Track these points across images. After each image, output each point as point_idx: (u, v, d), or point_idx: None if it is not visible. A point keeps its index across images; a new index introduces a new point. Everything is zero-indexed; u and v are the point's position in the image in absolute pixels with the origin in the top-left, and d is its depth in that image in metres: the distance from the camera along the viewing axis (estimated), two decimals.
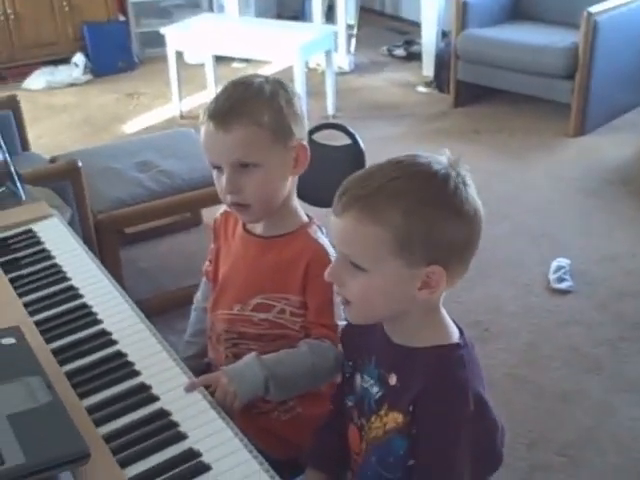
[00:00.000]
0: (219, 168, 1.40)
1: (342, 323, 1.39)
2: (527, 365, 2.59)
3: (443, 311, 1.17)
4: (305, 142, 1.43)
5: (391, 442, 1.14)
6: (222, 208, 1.57)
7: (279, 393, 1.37)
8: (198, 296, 1.70)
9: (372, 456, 1.18)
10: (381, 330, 1.20)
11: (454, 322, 1.19)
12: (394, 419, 1.14)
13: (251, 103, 1.36)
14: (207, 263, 1.64)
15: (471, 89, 4.75)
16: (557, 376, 2.54)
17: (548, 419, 2.36)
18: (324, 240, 1.45)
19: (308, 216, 1.49)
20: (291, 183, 1.44)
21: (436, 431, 1.09)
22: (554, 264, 3.08)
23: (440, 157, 1.11)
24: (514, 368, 2.56)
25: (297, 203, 1.49)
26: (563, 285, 2.98)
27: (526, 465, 2.16)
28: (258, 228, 1.48)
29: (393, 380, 1.16)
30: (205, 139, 1.39)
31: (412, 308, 1.13)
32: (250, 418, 1.40)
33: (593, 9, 4.03)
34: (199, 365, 1.61)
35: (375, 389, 1.19)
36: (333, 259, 1.39)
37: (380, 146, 3.73)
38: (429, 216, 1.06)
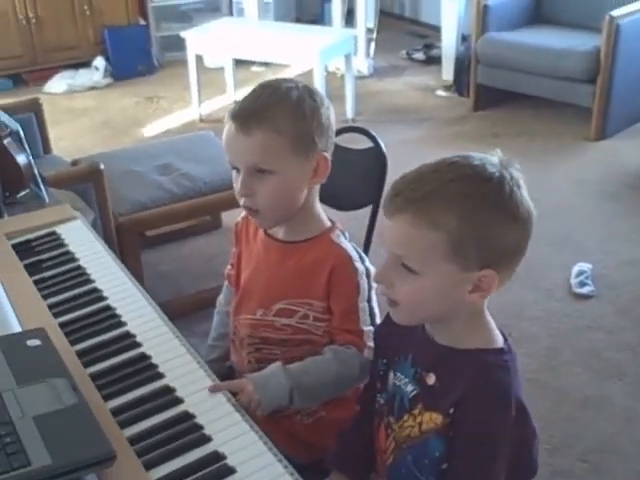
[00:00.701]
0: (237, 169, 1.40)
1: (368, 329, 1.39)
2: (548, 370, 2.58)
3: (488, 315, 1.16)
4: (328, 153, 1.40)
5: (428, 443, 1.14)
6: (243, 212, 1.57)
7: (303, 403, 1.36)
8: (221, 299, 1.70)
9: (408, 455, 1.18)
10: (421, 329, 1.19)
11: (498, 328, 1.18)
12: (432, 419, 1.13)
13: (274, 109, 1.34)
14: (229, 267, 1.64)
15: (491, 93, 4.74)
16: (578, 381, 2.53)
17: (570, 425, 2.34)
18: (347, 245, 1.44)
19: (331, 221, 1.49)
20: (311, 190, 1.43)
21: (476, 435, 1.08)
22: (575, 269, 3.06)
23: (492, 158, 1.10)
24: (535, 373, 2.54)
25: (319, 208, 1.48)
26: (585, 290, 2.96)
27: (547, 471, 2.14)
28: (280, 233, 1.47)
29: (432, 380, 1.15)
30: (226, 139, 1.39)
31: (460, 310, 1.12)
32: (273, 421, 1.40)
33: (615, 13, 4.01)
34: (222, 368, 1.61)
35: (410, 387, 1.18)
36: (356, 264, 1.40)
37: (400, 150, 3.73)
38: (485, 221, 1.05)
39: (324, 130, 1.38)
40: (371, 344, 1.37)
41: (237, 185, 1.40)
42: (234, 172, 1.41)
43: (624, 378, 2.53)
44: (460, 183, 1.06)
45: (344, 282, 1.39)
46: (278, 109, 1.34)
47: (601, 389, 2.49)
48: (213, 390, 1.25)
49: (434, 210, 1.05)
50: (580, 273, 3.03)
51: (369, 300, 1.40)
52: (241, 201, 1.42)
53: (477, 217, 1.04)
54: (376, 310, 1.40)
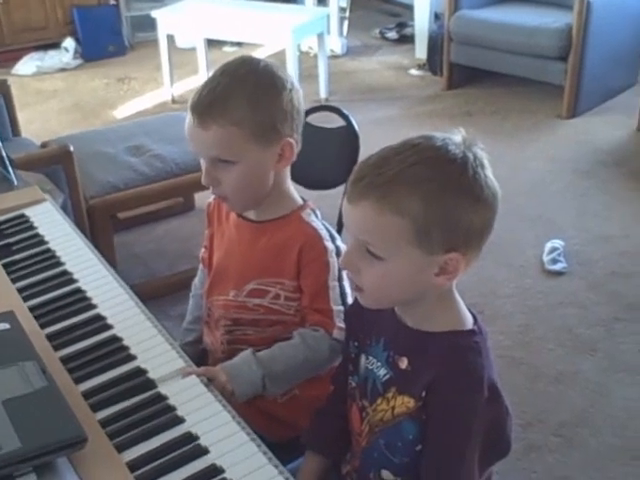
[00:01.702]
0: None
1: (338, 308, 1.39)
2: (522, 347, 2.60)
3: (457, 296, 1.15)
4: (293, 138, 1.37)
5: (400, 426, 1.14)
6: None
7: (275, 389, 1.36)
8: (196, 283, 1.69)
9: (380, 439, 1.18)
10: (391, 312, 1.18)
11: (468, 309, 1.17)
12: (404, 403, 1.13)
13: (231, 100, 1.30)
14: (203, 250, 1.63)
15: (464, 71, 4.74)
16: (552, 357, 2.55)
17: (543, 400, 2.37)
18: (317, 224, 1.43)
19: (303, 199, 1.47)
20: (279, 172, 1.41)
21: (449, 417, 1.08)
22: (548, 245, 3.08)
23: (455, 137, 1.08)
24: (509, 350, 2.56)
25: (291, 187, 1.46)
26: (557, 266, 2.98)
27: (521, 446, 2.16)
28: (251, 213, 1.46)
29: (404, 364, 1.15)
30: (187, 130, 1.36)
31: (427, 294, 1.12)
32: (247, 401, 1.40)
33: None
34: (198, 351, 1.60)
35: (383, 371, 1.18)
36: (326, 243, 1.39)
37: (373, 129, 3.73)
38: (449, 204, 1.03)
39: (286, 115, 1.35)
40: (341, 324, 1.36)
41: (202, 174, 1.39)
42: (201, 159, 1.39)
43: (596, 353, 2.56)
44: (423, 166, 1.04)
45: (313, 261, 1.38)
46: (235, 100, 1.31)
47: (574, 364, 2.51)
48: (185, 375, 1.24)
49: (397, 195, 1.03)
50: (552, 250, 3.05)
51: (339, 279, 1.39)
52: (210, 189, 1.41)
53: (441, 201, 1.03)
54: (347, 289, 1.39)
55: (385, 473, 1.19)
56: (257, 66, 1.36)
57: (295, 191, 1.48)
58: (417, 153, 1.06)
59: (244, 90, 1.32)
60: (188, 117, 1.35)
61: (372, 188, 1.04)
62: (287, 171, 1.44)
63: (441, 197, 1.03)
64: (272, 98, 1.33)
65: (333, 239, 1.41)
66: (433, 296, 1.12)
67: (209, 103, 1.31)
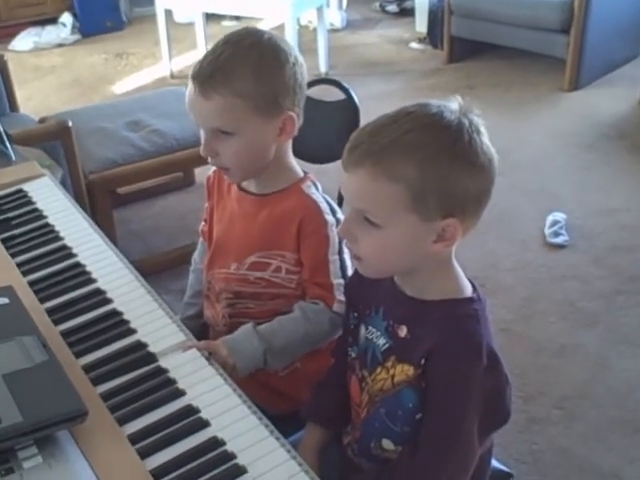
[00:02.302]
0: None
1: (338, 281, 1.38)
2: (523, 320, 2.60)
3: (456, 264, 1.15)
4: (294, 112, 1.35)
5: (400, 394, 1.14)
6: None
7: (276, 362, 1.36)
8: (195, 257, 1.68)
9: (380, 408, 1.18)
10: (390, 281, 1.18)
11: (467, 277, 1.17)
12: (404, 371, 1.13)
13: (234, 72, 1.29)
14: (202, 223, 1.63)
15: (465, 44, 4.70)
16: (553, 330, 2.55)
17: (545, 373, 2.37)
18: (318, 196, 1.42)
19: (304, 172, 1.46)
20: (281, 145, 1.40)
21: (448, 385, 1.08)
22: (550, 218, 3.07)
23: (451, 104, 1.08)
24: (510, 323, 2.56)
25: (292, 160, 1.45)
26: (559, 240, 2.97)
27: (523, 418, 2.17)
28: (252, 186, 1.45)
29: (403, 332, 1.14)
30: (188, 99, 1.35)
31: (426, 261, 1.11)
32: (248, 374, 1.39)
33: None
34: (198, 325, 1.60)
35: (382, 340, 1.18)
36: (326, 216, 1.38)
37: (374, 103, 3.69)
38: (444, 169, 1.03)
39: (289, 89, 1.34)
40: (341, 297, 1.36)
41: (202, 144, 1.37)
42: (201, 130, 1.38)
43: (598, 326, 2.56)
44: (418, 133, 1.04)
45: (313, 234, 1.37)
46: (238, 71, 1.29)
47: (575, 338, 2.51)
48: (187, 349, 1.24)
49: (392, 162, 1.03)
50: (554, 223, 3.04)
51: (340, 252, 1.38)
52: (208, 159, 1.39)
53: (436, 166, 1.02)
54: (348, 263, 1.39)
55: (386, 442, 1.19)
56: (261, 37, 1.34)
57: (297, 164, 1.47)
58: (412, 120, 1.06)
59: (247, 61, 1.30)
60: (189, 86, 1.33)
61: (367, 155, 1.04)
62: (289, 144, 1.43)
63: (436, 163, 1.03)
64: (275, 71, 1.32)
65: (334, 212, 1.40)
66: (432, 264, 1.12)
67: (211, 72, 1.30)
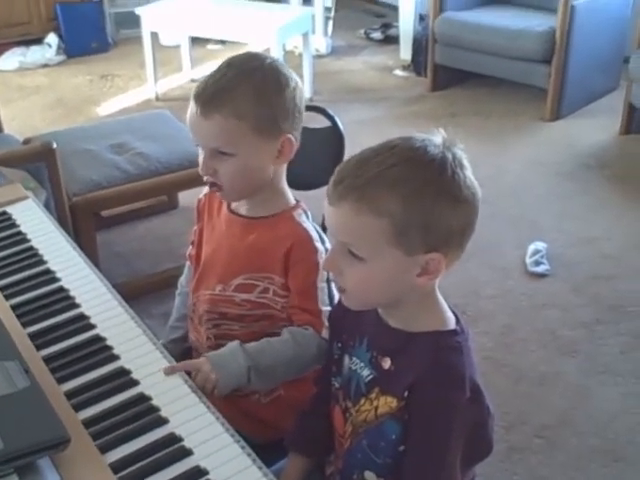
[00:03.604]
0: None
1: (326, 308, 1.38)
2: (504, 348, 2.61)
3: (439, 296, 1.16)
4: (293, 135, 1.38)
5: (383, 426, 1.14)
6: (205, 189, 1.55)
7: (260, 383, 1.35)
8: (182, 281, 1.68)
9: (363, 439, 1.18)
10: (375, 313, 1.19)
11: (450, 309, 1.18)
12: (387, 403, 1.13)
13: (236, 93, 1.32)
14: (190, 247, 1.63)
15: (448, 73, 4.75)
16: (534, 359, 2.56)
17: (525, 401, 2.38)
18: (308, 224, 1.43)
19: (296, 200, 1.48)
20: (277, 169, 1.42)
21: (430, 417, 1.08)
22: (531, 247, 3.10)
23: (435, 138, 1.09)
24: (491, 351, 2.57)
25: (285, 186, 1.47)
26: (540, 268, 2.99)
27: (504, 447, 2.17)
28: (243, 208, 1.47)
29: (387, 364, 1.15)
30: (189, 119, 1.37)
31: (410, 294, 1.12)
32: (231, 401, 1.39)
33: None
34: (182, 349, 1.60)
35: (366, 372, 1.18)
36: (316, 244, 1.39)
37: (357, 129, 3.73)
38: (428, 204, 1.03)
39: (288, 112, 1.36)
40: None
41: (200, 163, 1.39)
42: (199, 149, 1.40)
43: (578, 355, 2.57)
44: (402, 167, 1.05)
45: (303, 260, 1.38)
46: (239, 93, 1.32)
47: (556, 366, 2.53)
48: (169, 372, 1.23)
49: (376, 196, 1.03)
50: (535, 252, 3.07)
51: (328, 281, 1.39)
52: (204, 177, 1.41)
53: (420, 201, 1.03)
54: (335, 292, 1.39)
55: (368, 474, 1.19)
56: (264, 61, 1.37)
57: (289, 191, 1.48)
58: (396, 154, 1.06)
59: (249, 84, 1.33)
60: (191, 106, 1.36)
61: (351, 189, 1.05)
62: (283, 170, 1.45)
63: (420, 198, 1.03)
64: (276, 94, 1.34)
65: (322, 241, 1.42)
66: (416, 297, 1.12)
67: (213, 93, 1.32)
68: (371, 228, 1.04)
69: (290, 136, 1.38)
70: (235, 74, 1.34)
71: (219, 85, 1.33)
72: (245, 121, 1.32)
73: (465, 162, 1.08)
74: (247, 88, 1.32)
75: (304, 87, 1.42)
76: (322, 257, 1.39)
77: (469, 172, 1.08)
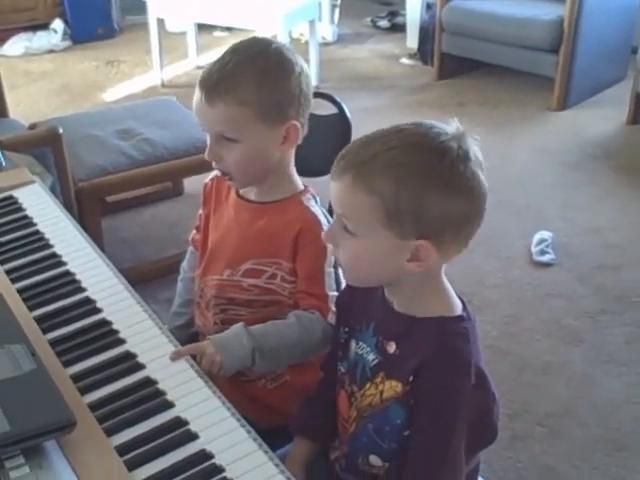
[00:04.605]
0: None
1: (333, 294, 1.38)
2: (509, 337, 2.61)
3: (446, 282, 1.16)
4: (299, 121, 1.37)
5: (388, 410, 1.14)
6: (212, 173, 1.55)
7: (265, 365, 1.35)
8: (184, 266, 1.68)
9: (369, 423, 1.18)
10: (382, 297, 1.19)
11: (457, 295, 1.17)
12: (392, 388, 1.13)
13: (239, 79, 1.31)
14: (194, 232, 1.63)
15: (455, 61, 4.73)
16: (538, 348, 2.56)
17: (530, 390, 2.38)
18: (317, 209, 1.43)
19: (304, 185, 1.48)
20: (284, 154, 1.41)
21: (435, 403, 1.09)
22: (536, 237, 3.09)
23: (446, 127, 1.08)
24: (496, 340, 2.57)
25: (294, 171, 1.47)
26: (545, 258, 2.99)
27: (508, 435, 2.17)
28: (251, 194, 1.47)
29: (392, 348, 1.15)
30: (194, 105, 1.38)
31: (406, 278, 1.12)
32: (237, 386, 1.39)
33: None
34: (187, 335, 1.60)
35: (371, 356, 1.18)
36: (325, 228, 1.39)
37: (363, 117, 3.70)
38: (419, 189, 1.03)
39: (294, 98, 1.35)
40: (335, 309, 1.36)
41: (207, 149, 1.39)
42: (207, 135, 1.40)
43: (582, 344, 2.57)
44: (400, 150, 1.05)
45: (311, 245, 1.38)
46: (242, 79, 1.31)
47: (560, 355, 2.53)
48: (174, 357, 1.23)
49: (371, 175, 1.05)
50: (541, 241, 3.06)
51: (335, 266, 1.39)
52: (212, 164, 1.41)
53: (411, 185, 1.03)
54: (342, 278, 1.39)
55: (373, 458, 1.19)
56: (268, 47, 1.37)
57: (298, 176, 1.48)
58: (400, 138, 1.07)
59: (253, 70, 1.32)
60: (196, 92, 1.35)
61: (350, 166, 1.08)
62: (291, 154, 1.44)
63: (411, 182, 1.04)
64: (280, 80, 1.34)
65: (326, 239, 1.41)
66: (416, 281, 1.12)
67: (217, 80, 1.32)
68: (363, 205, 1.06)
69: (295, 122, 1.37)
70: (239, 60, 1.34)
71: (223, 72, 1.33)
72: (249, 108, 1.32)
73: (472, 155, 1.07)
74: (250, 74, 1.32)
75: (310, 74, 1.41)
76: None
77: (474, 165, 1.06)
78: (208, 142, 1.38)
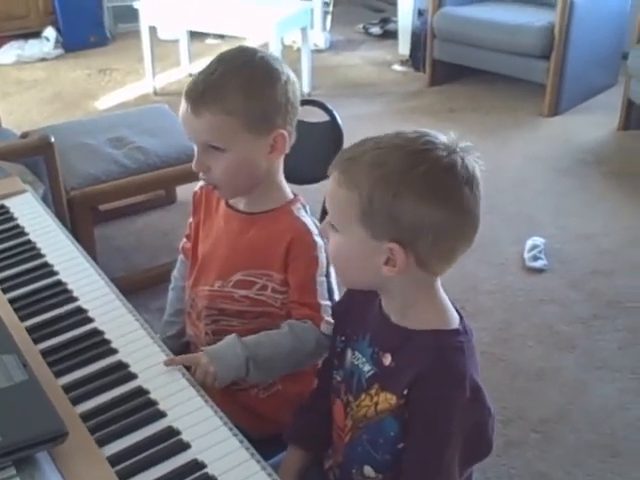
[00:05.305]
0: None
1: (325, 303, 1.38)
2: (502, 343, 2.61)
3: (442, 295, 1.15)
4: (286, 129, 1.37)
5: (383, 423, 1.14)
6: (201, 182, 1.54)
7: (259, 375, 1.35)
8: (175, 275, 1.68)
9: (363, 434, 1.18)
10: (379, 308, 1.19)
11: (455, 308, 1.17)
12: (387, 400, 1.13)
13: (225, 90, 1.31)
14: (184, 240, 1.62)
15: (447, 68, 4.75)
16: (531, 354, 2.56)
17: (523, 396, 2.38)
18: (307, 218, 1.43)
19: (294, 194, 1.47)
20: (272, 163, 1.41)
21: (430, 414, 1.08)
22: (529, 243, 3.10)
23: (442, 137, 1.08)
24: (489, 346, 2.57)
25: (283, 180, 1.46)
26: (538, 264, 2.99)
27: (501, 442, 2.17)
28: (241, 204, 1.46)
29: (387, 360, 1.15)
30: (180, 115, 1.37)
31: (390, 285, 1.12)
32: (229, 395, 1.39)
33: None
34: (179, 345, 1.59)
35: (367, 367, 1.18)
36: (315, 238, 1.39)
37: (355, 124, 3.71)
38: (392, 191, 1.03)
39: (280, 107, 1.35)
40: (329, 318, 1.36)
41: (194, 160, 1.39)
42: (194, 145, 1.39)
43: (575, 350, 2.57)
44: (385, 151, 1.07)
45: (302, 255, 1.38)
46: (229, 89, 1.31)
47: (553, 361, 2.53)
48: (168, 364, 1.23)
49: (355, 172, 1.07)
50: (533, 247, 3.07)
51: (327, 275, 1.39)
52: (200, 174, 1.41)
53: (386, 186, 1.04)
54: (334, 286, 1.40)
55: (367, 469, 1.19)
56: (253, 56, 1.36)
57: (287, 185, 1.47)
58: (390, 140, 1.09)
59: (238, 80, 1.32)
60: (182, 103, 1.35)
61: (339, 162, 1.11)
62: (280, 164, 1.44)
63: (387, 183, 1.04)
64: (266, 89, 1.34)
65: (322, 235, 1.41)
66: (404, 290, 1.12)
67: (203, 90, 1.32)
68: (345, 200, 1.08)
69: (283, 131, 1.37)
70: (225, 70, 1.33)
71: (208, 82, 1.32)
72: (235, 117, 1.31)
73: (461, 170, 1.05)
74: (236, 84, 1.32)
75: (302, 82, 1.42)
76: (321, 252, 1.39)
77: (461, 181, 1.05)
78: (195, 153, 1.38)
